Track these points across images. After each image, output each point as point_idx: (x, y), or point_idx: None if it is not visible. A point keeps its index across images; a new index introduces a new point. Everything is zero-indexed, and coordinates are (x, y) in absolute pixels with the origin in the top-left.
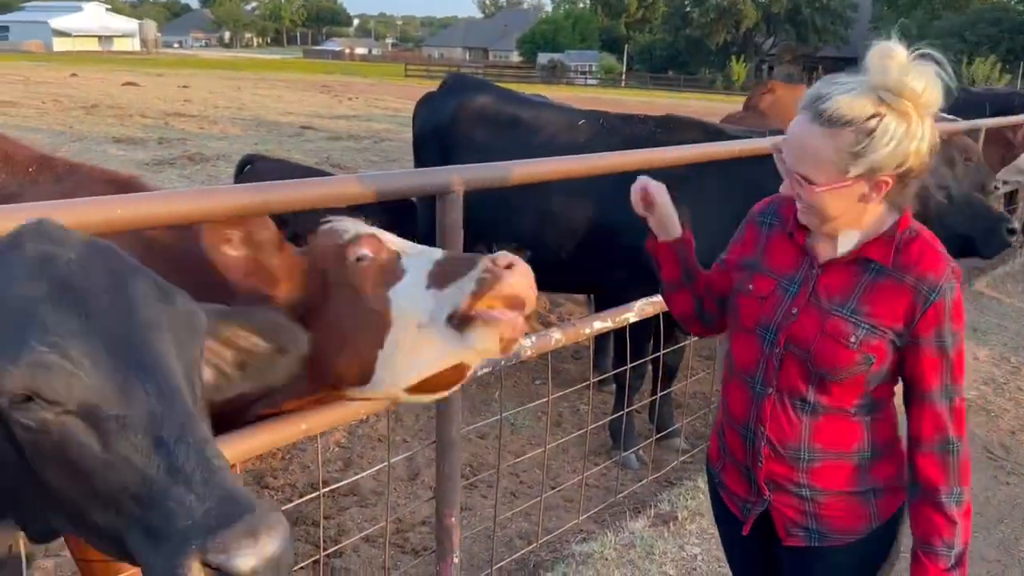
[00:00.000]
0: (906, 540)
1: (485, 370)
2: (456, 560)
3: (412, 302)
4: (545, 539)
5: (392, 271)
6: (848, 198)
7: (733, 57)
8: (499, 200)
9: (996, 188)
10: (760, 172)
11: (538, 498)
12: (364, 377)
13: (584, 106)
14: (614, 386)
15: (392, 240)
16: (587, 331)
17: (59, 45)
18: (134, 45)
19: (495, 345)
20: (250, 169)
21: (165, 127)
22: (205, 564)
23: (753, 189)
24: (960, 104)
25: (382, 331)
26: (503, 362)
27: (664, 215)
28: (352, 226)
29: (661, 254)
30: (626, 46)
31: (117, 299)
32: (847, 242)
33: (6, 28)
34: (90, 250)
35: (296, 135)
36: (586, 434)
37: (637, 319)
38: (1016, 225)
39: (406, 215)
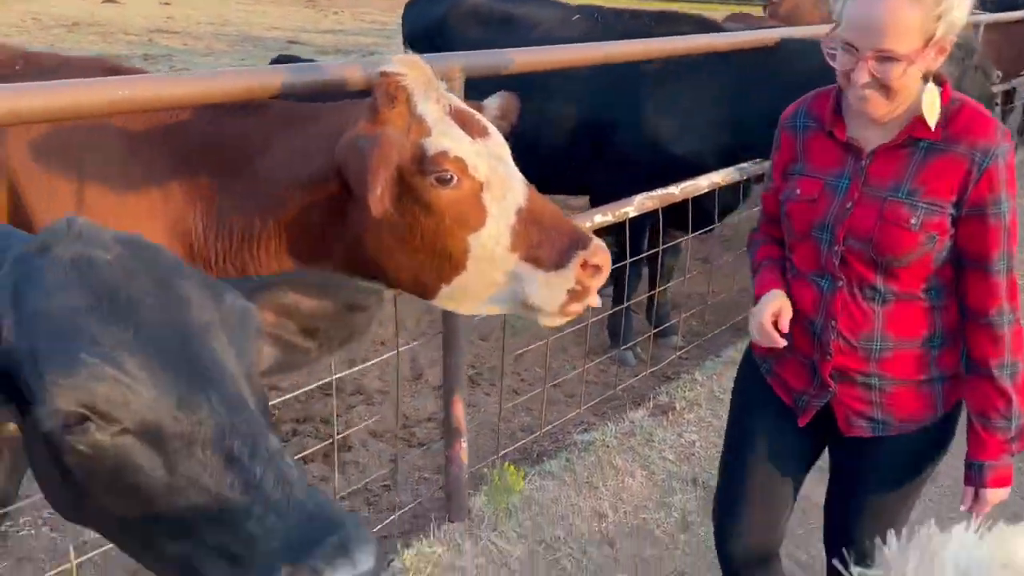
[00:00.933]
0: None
1: None
2: (464, 445)
3: (491, 263)
4: (547, 429)
5: (475, 212)
6: (921, 69)
7: None
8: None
9: (996, 79)
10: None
11: (539, 392)
12: (423, 294)
13: (578, 2)
14: (611, 288)
15: (472, 154)
16: (588, 224)
17: None
18: None
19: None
20: None
21: (149, 44)
22: None
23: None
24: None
25: (452, 272)
26: None
27: (773, 308)
28: (424, 92)
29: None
30: None
31: (165, 303)
32: (894, 126)
33: None
34: (128, 249)
35: (283, 50)
36: (586, 331)
37: (637, 213)
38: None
39: None
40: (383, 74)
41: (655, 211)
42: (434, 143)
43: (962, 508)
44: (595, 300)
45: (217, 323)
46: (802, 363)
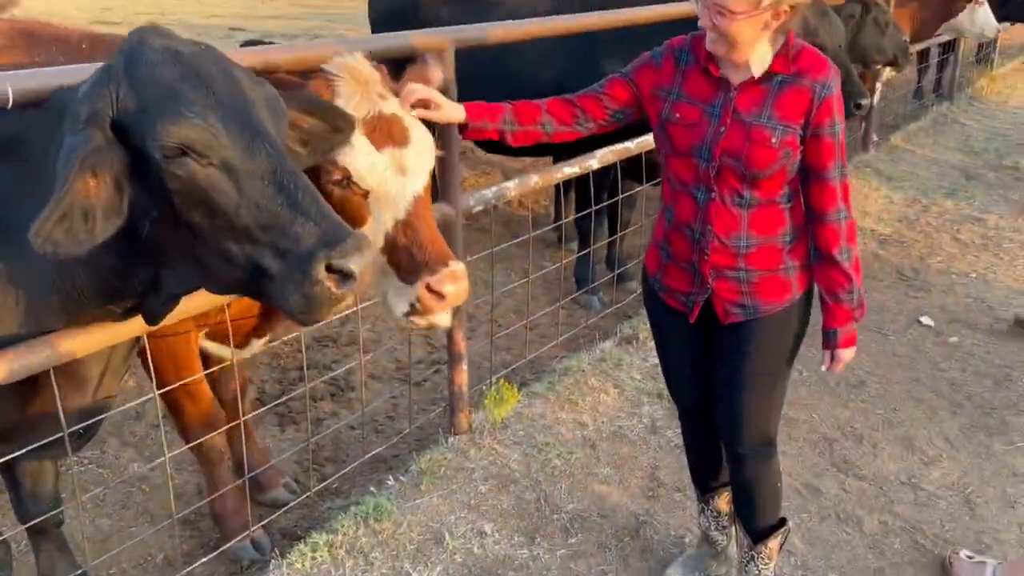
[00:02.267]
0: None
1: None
2: (465, 367)
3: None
4: (530, 357)
5: (358, 213)
6: (755, 26)
7: None
8: (474, 67)
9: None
10: None
11: (519, 329)
12: None
13: None
14: (575, 243)
15: (362, 165)
16: (558, 175)
17: None
18: None
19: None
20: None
21: (98, 32)
22: (328, 268)
23: None
24: None
25: None
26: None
27: (445, 109)
28: (348, 97)
29: (478, 136)
30: None
31: (230, 83)
32: (759, 67)
33: None
34: (198, 47)
35: (227, 37)
36: (560, 280)
37: (600, 166)
38: (865, 101)
39: None
40: (320, 72)
41: (612, 166)
42: None
43: (823, 368)
44: (442, 321)
45: (262, 101)
46: (684, 268)
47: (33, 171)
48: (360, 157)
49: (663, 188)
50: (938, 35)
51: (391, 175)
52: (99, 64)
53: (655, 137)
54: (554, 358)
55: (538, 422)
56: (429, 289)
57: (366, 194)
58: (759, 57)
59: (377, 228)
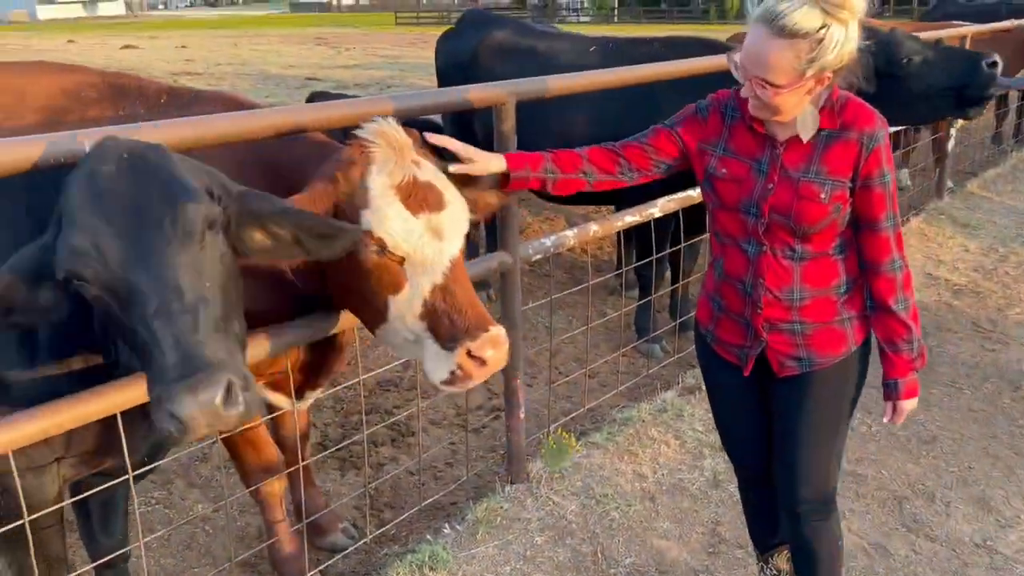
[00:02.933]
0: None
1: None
2: (523, 416)
3: (403, 323)
4: (590, 406)
5: (395, 279)
6: (799, 94)
7: None
8: (532, 119)
9: None
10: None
11: (578, 377)
12: (369, 327)
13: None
14: (636, 291)
15: (398, 232)
16: (619, 224)
17: (43, 13)
18: (119, 9)
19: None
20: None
21: (176, 86)
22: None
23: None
24: (952, 15)
25: (380, 320)
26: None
27: (483, 162)
28: (382, 164)
29: (520, 187)
30: None
31: (133, 203)
32: (806, 132)
33: None
34: (127, 161)
35: (303, 87)
36: (621, 328)
37: (661, 214)
38: (996, 57)
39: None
40: (354, 138)
41: (674, 215)
42: (366, 218)
43: (884, 420)
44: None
45: (165, 219)
46: (736, 321)
47: None
48: (395, 224)
49: (711, 241)
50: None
51: (427, 240)
52: None
53: (702, 191)
54: (614, 407)
55: (597, 473)
56: (470, 355)
57: (402, 261)
58: (805, 120)
59: (414, 294)
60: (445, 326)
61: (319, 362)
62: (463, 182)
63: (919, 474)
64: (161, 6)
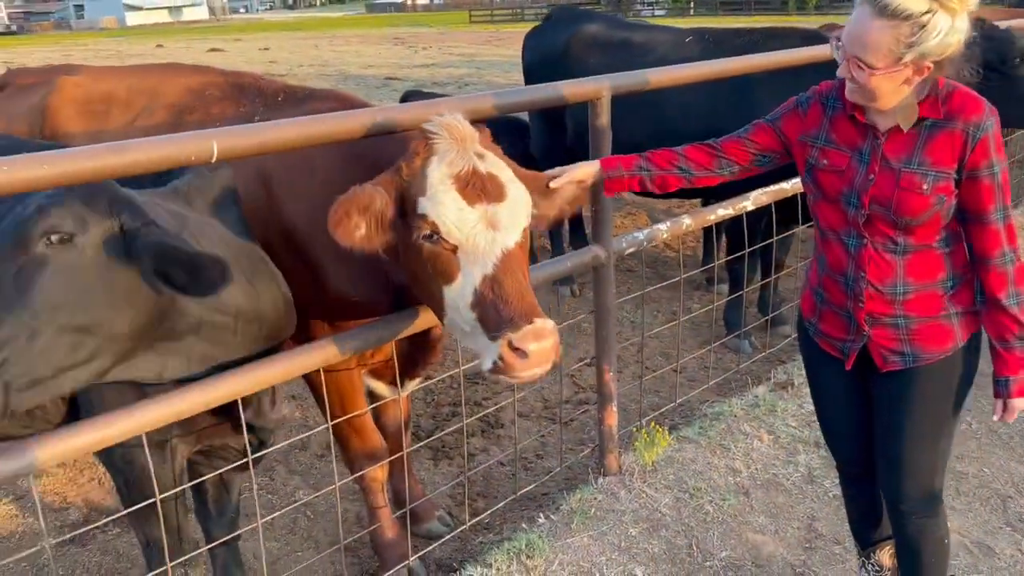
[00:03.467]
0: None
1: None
2: (615, 408)
3: (457, 313)
4: (680, 401)
5: (448, 268)
6: (896, 80)
7: None
8: (626, 113)
9: None
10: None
11: (667, 371)
12: (438, 317)
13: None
14: (725, 285)
15: (452, 220)
16: (711, 217)
17: (132, 19)
18: (202, 13)
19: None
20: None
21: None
22: None
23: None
24: None
25: (440, 311)
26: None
27: (574, 176)
28: (443, 155)
29: (619, 187)
30: None
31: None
32: (905, 122)
33: (81, 7)
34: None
35: (383, 86)
36: (711, 321)
37: (753, 207)
38: None
39: (520, 136)
40: (422, 131)
41: (765, 208)
42: (422, 203)
43: (995, 418)
44: (529, 376)
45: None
46: (839, 314)
47: None
48: (449, 212)
49: (815, 234)
50: None
51: (480, 230)
52: None
53: (803, 183)
54: (704, 402)
55: (689, 467)
56: (511, 346)
57: (455, 249)
58: (904, 110)
59: (466, 284)
60: (492, 317)
61: (416, 353)
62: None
63: (1023, 473)
64: (242, 9)
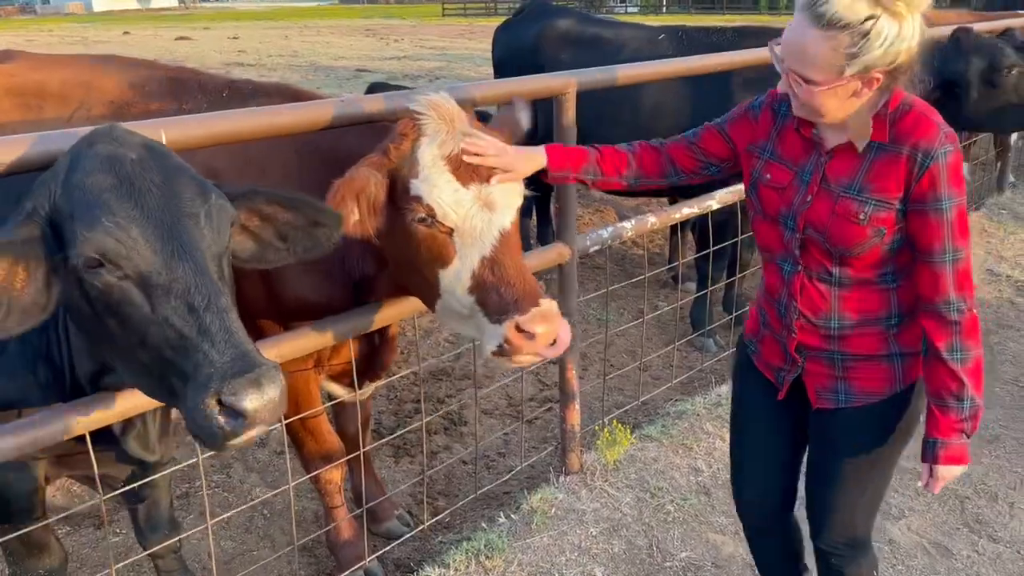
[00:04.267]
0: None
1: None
2: (577, 407)
3: (454, 297)
4: (644, 399)
5: (444, 251)
6: (841, 96)
7: None
8: (593, 111)
9: None
10: None
11: (631, 370)
12: (428, 305)
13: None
14: (691, 284)
15: (447, 202)
16: (677, 215)
17: (98, 5)
18: (171, 1)
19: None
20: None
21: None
22: (220, 403)
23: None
24: (1012, 3)
25: (434, 296)
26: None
27: (520, 167)
28: (434, 135)
29: (561, 182)
30: None
31: (165, 195)
32: (860, 140)
33: None
34: (148, 152)
35: (353, 78)
36: (673, 320)
37: (719, 206)
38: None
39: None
40: (407, 111)
41: (732, 208)
42: (415, 186)
43: (919, 484)
44: (528, 359)
45: (200, 213)
46: (776, 340)
47: None
48: (444, 194)
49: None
50: None
51: (476, 211)
52: None
53: (746, 197)
54: (668, 400)
55: (651, 466)
56: (518, 329)
57: (451, 232)
58: (857, 127)
59: (463, 266)
60: (494, 300)
61: (373, 355)
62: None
63: (981, 473)
64: None
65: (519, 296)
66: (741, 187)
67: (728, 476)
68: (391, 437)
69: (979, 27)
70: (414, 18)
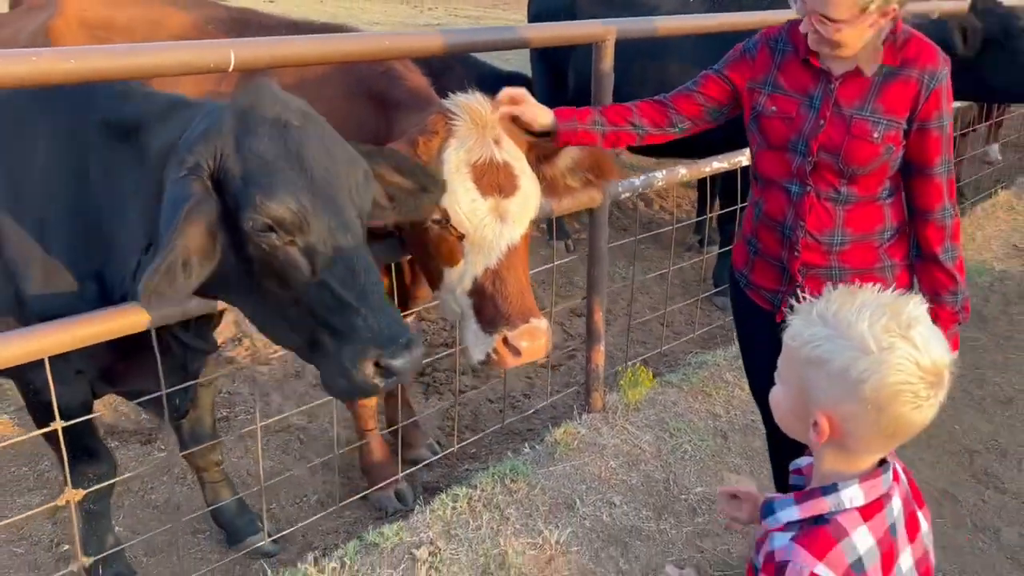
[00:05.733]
0: None
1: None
2: (603, 347)
3: (453, 296)
4: (667, 347)
5: (452, 253)
6: (861, 28)
7: None
8: (625, 64)
9: None
10: None
11: (654, 319)
12: (432, 286)
13: None
14: (716, 247)
15: (462, 210)
16: (707, 169)
17: None
18: None
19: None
20: None
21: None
22: (376, 364)
23: None
24: None
25: (436, 285)
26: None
27: (529, 108)
28: (463, 139)
29: (571, 139)
30: None
31: (327, 165)
32: (869, 66)
33: None
34: (307, 117)
35: None
36: (699, 279)
37: (748, 163)
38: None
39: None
40: (442, 109)
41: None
42: None
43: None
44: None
45: (354, 185)
46: (772, 265)
47: (141, 156)
48: (462, 201)
49: (751, 183)
50: None
51: (489, 223)
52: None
53: (747, 131)
54: (688, 353)
55: (671, 409)
56: (506, 343)
57: (461, 237)
58: (868, 54)
59: (467, 272)
60: (488, 310)
61: (404, 287)
62: (543, 158)
63: (992, 431)
64: None
65: (513, 312)
66: None
67: (745, 421)
68: (421, 377)
69: None
70: None
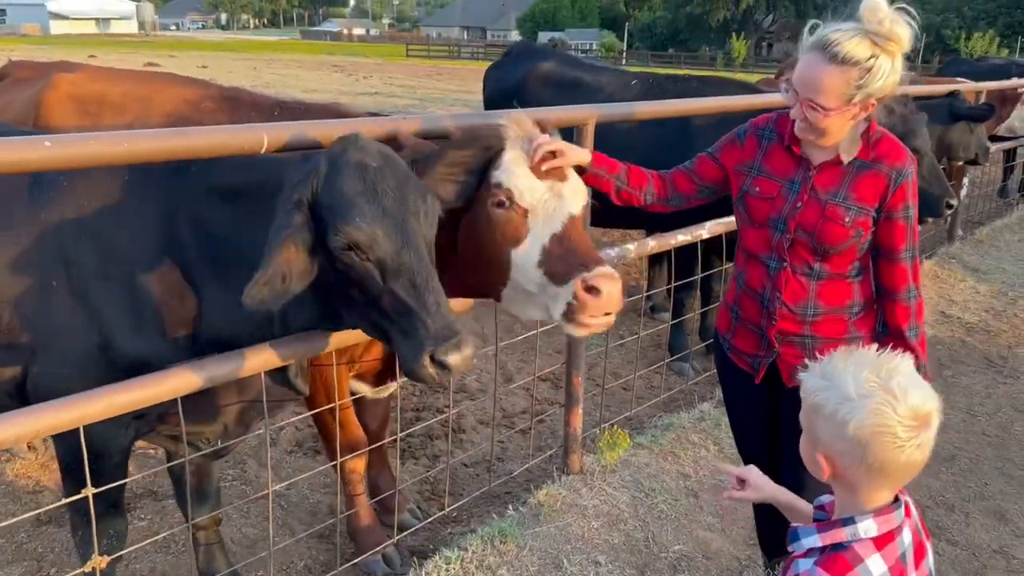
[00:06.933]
0: None
1: None
2: (581, 411)
3: (524, 274)
4: (636, 411)
5: (519, 231)
6: (845, 118)
7: (733, 34)
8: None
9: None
10: None
11: (615, 393)
12: (493, 292)
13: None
14: (665, 314)
15: (523, 187)
16: (673, 242)
17: (56, 28)
18: (131, 28)
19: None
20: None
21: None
22: (431, 358)
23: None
24: (964, 73)
25: (503, 277)
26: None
27: (572, 153)
28: (514, 140)
29: (595, 184)
30: (627, 24)
31: (398, 197)
32: (847, 155)
33: (3, 11)
34: (385, 159)
35: None
36: (655, 345)
37: (708, 236)
38: (954, 202)
39: None
40: (492, 126)
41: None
42: (496, 175)
43: None
44: (597, 324)
45: (421, 212)
46: (752, 331)
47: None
48: (522, 180)
49: (736, 255)
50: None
51: (549, 196)
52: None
53: (735, 209)
54: (653, 416)
55: (644, 470)
56: (584, 284)
57: (525, 212)
58: (847, 145)
59: (535, 242)
60: (561, 267)
61: (395, 355)
62: None
63: (939, 487)
64: (173, 27)
65: (585, 260)
66: (730, 219)
67: (714, 481)
68: (392, 440)
69: (926, 89)
70: (378, 57)
